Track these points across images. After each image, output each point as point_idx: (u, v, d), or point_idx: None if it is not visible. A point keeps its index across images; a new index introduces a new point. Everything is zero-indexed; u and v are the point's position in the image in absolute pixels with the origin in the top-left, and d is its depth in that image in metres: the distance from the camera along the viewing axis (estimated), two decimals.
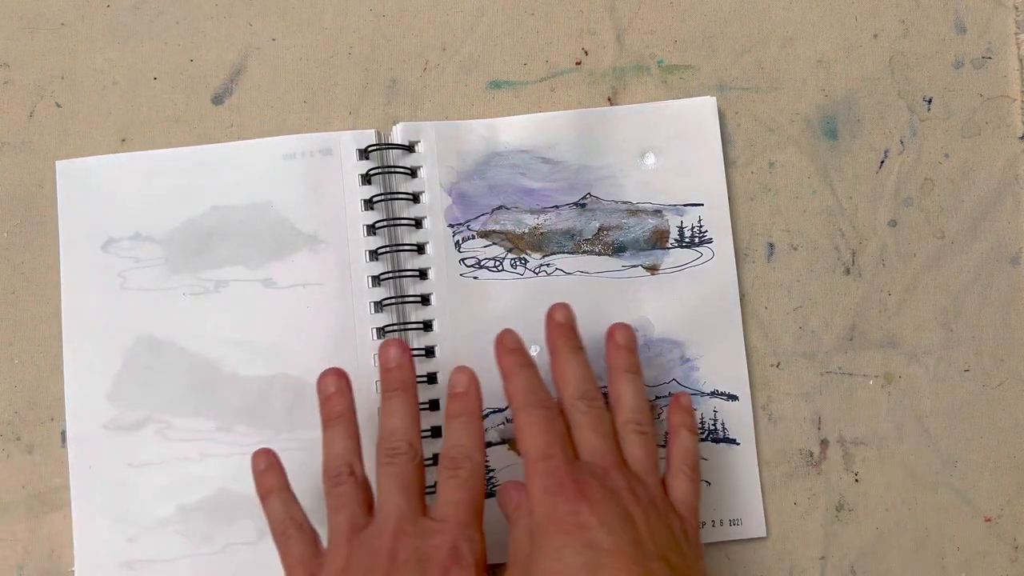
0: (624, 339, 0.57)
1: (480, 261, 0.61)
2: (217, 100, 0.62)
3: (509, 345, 0.55)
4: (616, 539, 0.47)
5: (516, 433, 0.53)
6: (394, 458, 0.52)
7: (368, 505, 0.52)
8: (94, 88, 0.62)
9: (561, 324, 0.56)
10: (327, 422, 0.54)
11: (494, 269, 0.60)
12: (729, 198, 0.61)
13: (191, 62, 0.63)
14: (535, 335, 0.60)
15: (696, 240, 0.61)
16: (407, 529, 0.49)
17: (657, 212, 0.61)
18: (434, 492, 0.53)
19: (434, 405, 0.60)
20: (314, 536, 0.53)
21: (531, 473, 0.51)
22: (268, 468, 0.55)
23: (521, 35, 0.63)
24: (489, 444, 0.60)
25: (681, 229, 0.61)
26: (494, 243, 0.61)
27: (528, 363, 0.55)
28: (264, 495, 0.54)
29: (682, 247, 0.61)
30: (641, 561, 0.47)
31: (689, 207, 0.61)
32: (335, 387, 0.55)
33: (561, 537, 0.48)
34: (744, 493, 0.60)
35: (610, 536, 0.47)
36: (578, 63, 0.63)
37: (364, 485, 0.53)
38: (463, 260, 0.60)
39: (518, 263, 0.61)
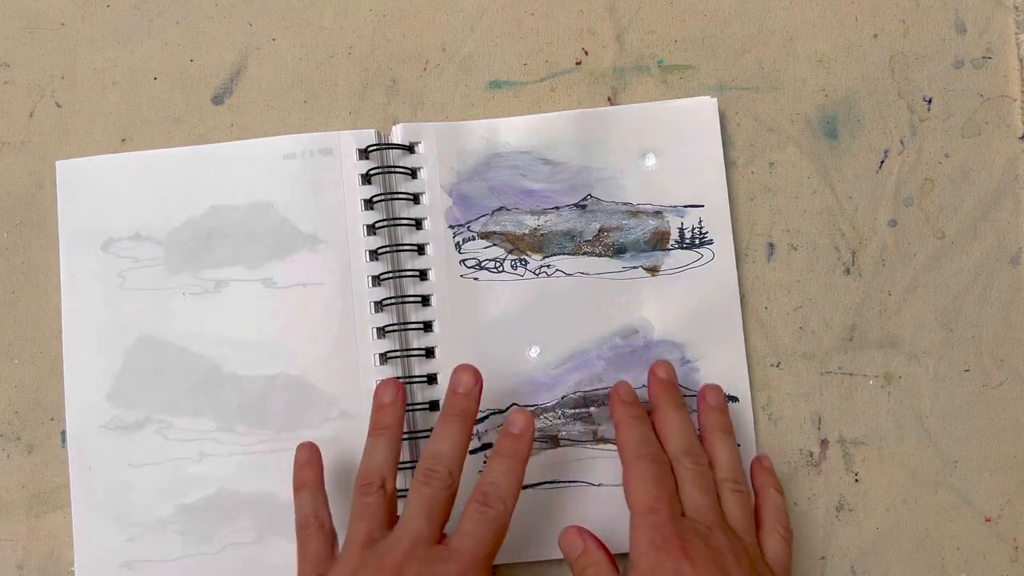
0: (716, 400, 0.58)
1: (480, 262, 0.60)
2: (217, 100, 0.62)
3: (624, 396, 0.57)
4: None
5: (625, 483, 0.53)
6: (430, 480, 0.52)
7: (391, 521, 0.53)
8: (94, 88, 0.62)
9: (663, 380, 0.58)
10: (374, 430, 0.55)
11: (494, 270, 0.60)
12: (729, 198, 0.61)
13: (191, 62, 0.63)
14: (535, 336, 0.60)
15: (696, 241, 0.61)
16: (419, 552, 0.50)
17: (657, 213, 0.61)
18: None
19: (434, 406, 0.60)
20: (333, 538, 0.54)
21: (637, 525, 0.52)
22: (308, 462, 0.56)
23: (521, 35, 0.63)
24: (489, 446, 0.60)
25: (681, 230, 0.61)
26: (494, 244, 0.61)
27: (642, 416, 0.56)
28: (298, 487, 0.55)
29: (682, 248, 0.61)
30: None
31: (689, 208, 0.61)
32: (390, 398, 0.55)
33: None
34: None
35: None
36: (578, 63, 0.63)
37: (391, 500, 0.53)
38: (463, 261, 0.60)
39: (518, 264, 0.60)
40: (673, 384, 0.58)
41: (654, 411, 0.57)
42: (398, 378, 0.59)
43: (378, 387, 0.56)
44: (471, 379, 0.55)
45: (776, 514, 0.56)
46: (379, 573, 0.49)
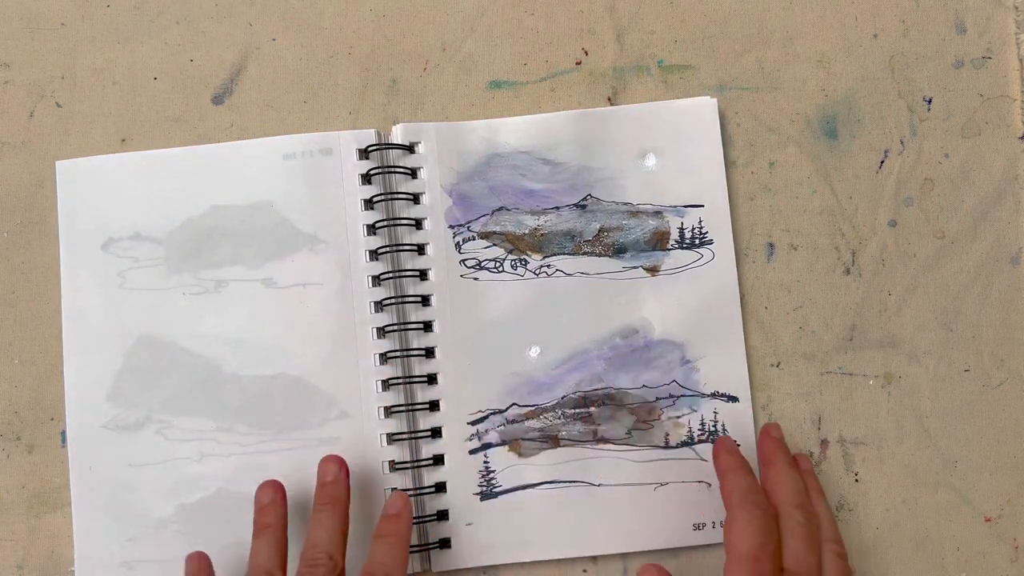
0: (807, 465, 0.60)
1: (480, 262, 0.60)
2: (217, 100, 0.62)
3: (729, 447, 0.57)
4: None
5: (728, 527, 0.52)
6: (313, 568, 0.52)
7: None
8: (94, 88, 0.62)
9: (776, 439, 0.58)
10: (258, 531, 0.55)
11: (494, 270, 0.60)
12: (729, 198, 0.61)
13: (191, 62, 0.63)
14: (535, 336, 0.60)
15: (696, 241, 0.61)
16: None
17: (657, 213, 0.61)
18: None
19: (434, 406, 0.60)
20: None
21: (736, 570, 0.51)
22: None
23: (521, 35, 0.63)
24: (489, 446, 0.60)
25: (681, 230, 0.61)
26: (494, 244, 0.61)
27: (748, 469, 0.56)
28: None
29: (682, 248, 0.61)
30: None
31: (689, 208, 0.61)
32: (269, 499, 0.56)
33: None
34: None
35: None
36: (578, 63, 0.63)
37: None
38: (463, 261, 0.60)
39: (518, 264, 0.60)
40: (784, 444, 0.58)
41: (768, 466, 0.57)
42: (398, 378, 0.59)
43: (258, 489, 0.56)
44: (336, 467, 0.56)
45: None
46: None
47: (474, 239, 0.61)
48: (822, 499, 0.57)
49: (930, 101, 0.63)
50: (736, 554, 0.51)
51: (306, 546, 0.54)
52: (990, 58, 0.63)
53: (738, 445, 0.58)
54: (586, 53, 0.63)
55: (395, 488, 0.59)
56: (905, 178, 0.62)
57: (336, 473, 0.56)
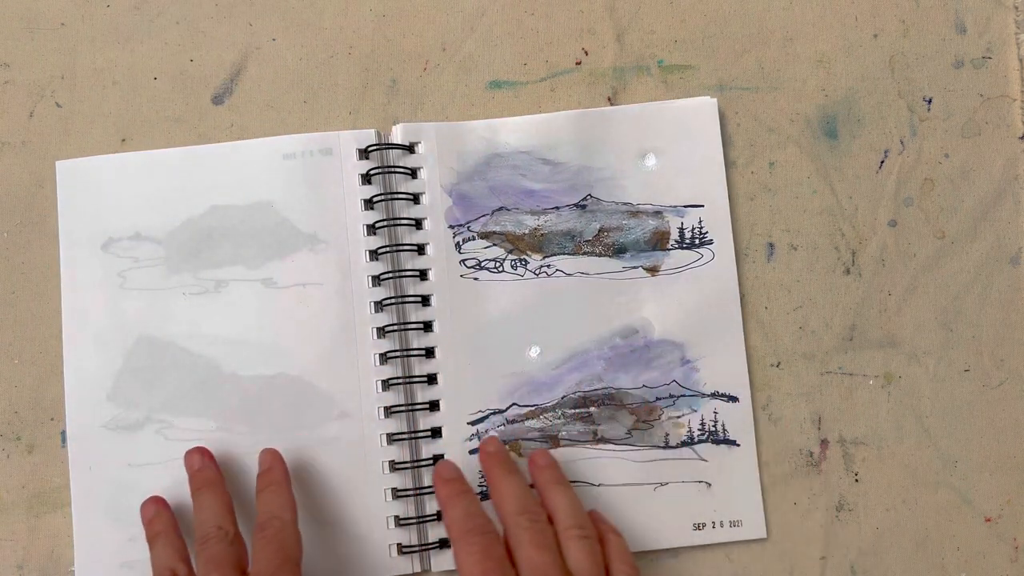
0: (544, 460, 0.59)
1: (480, 262, 0.60)
2: (217, 100, 0.62)
3: (445, 475, 0.57)
4: None
5: (456, 563, 0.53)
6: (206, 543, 0.53)
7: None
8: (94, 88, 0.62)
9: (492, 453, 0.58)
10: (151, 537, 0.56)
11: (494, 270, 0.60)
12: (729, 198, 0.61)
13: (191, 62, 0.63)
14: (535, 336, 0.60)
15: (696, 241, 0.61)
16: None
17: (657, 213, 0.61)
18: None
19: (434, 406, 0.60)
20: None
21: None
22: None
23: (521, 35, 0.63)
24: None
25: (681, 230, 0.61)
26: (494, 244, 0.61)
27: (466, 490, 0.56)
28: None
29: (682, 248, 0.61)
30: None
31: (689, 208, 0.61)
32: (154, 511, 0.57)
33: None
34: (744, 494, 0.60)
35: None
36: (578, 63, 0.63)
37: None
38: (463, 261, 0.60)
39: (518, 264, 0.60)
40: (501, 454, 0.58)
41: (488, 481, 0.57)
42: (398, 378, 0.59)
43: (142, 506, 0.57)
44: (199, 455, 0.58)
45: (621, 555, 0.55)
46: None
47: (474, 239, 0.61)
48: (557, 487, 0.57)
49: (930, 101, 0.63)
50: None
51: (195, 531, 0.54)
52: (990, 58, 0.63)
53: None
54: (586, 53, 0.63)
55: (394, 488, 0.59)
56: (905, 178, 0.62)
57: (201, 460, 0.57)
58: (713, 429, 0.60)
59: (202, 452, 0.58)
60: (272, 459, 0.57)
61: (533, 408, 0.60)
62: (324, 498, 0.59)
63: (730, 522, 0.60)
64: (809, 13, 0.63)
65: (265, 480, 0.56)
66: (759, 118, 0.62)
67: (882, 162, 0.62)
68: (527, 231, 0.61)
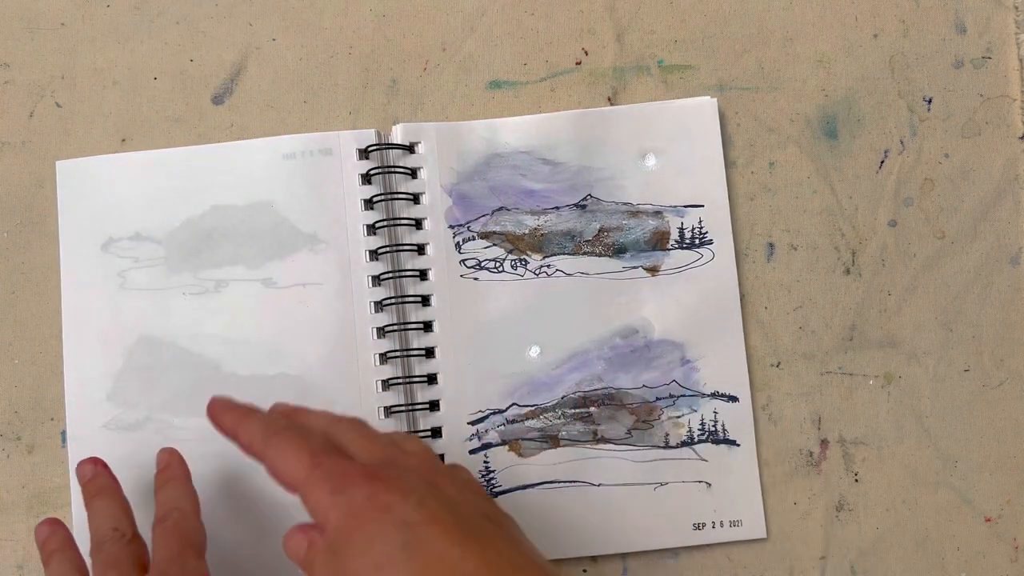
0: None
1: (480, 262, 0.60)
2: (217, 100, 0.62)
3: (220, 408, 0.52)
4: (428, 509, 0.43)
5: (273, 473, 0.47)
6: (102, 546, 0.51)
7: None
8: (94, 88, 0.62)
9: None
10: (47, 557, 0.54)
11: (494, 270, 0.60)
12: (729, 198, 0.61)
13: (191, 62, 0.63)
14: (535, 336, 0.60)
15: (696, 241, 0.61)
16: None
17: (657, 213, 0.61)
18: None
19: (434, 406, 0.60)
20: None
21: (308, 489, 0.45)
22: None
23: (521, 35, 0.63)
24: (489, 446, 0.60)
25: (681, 230, 0.61)
26: (494, 244, 0.61)
27: (249, 411, 0.51)
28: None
29: (682, 248, 0.61)
30: (463, 526, 0.43)
31: (689, 208, 0.61)
32: (48, 532, 0.55)
33: (366, 528, 0.43)
34: (744, 494, 0.60)
35: (421, 508, 0.43)
36: (578, 63, 0.63)
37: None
38: (463, 261, 0.60)
39: (518, 264, 0.60)
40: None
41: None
42: (397, 379, 0.59)
43: (37, 529, 0.55)
44: (91, 465, 0.56)
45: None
46: None
47: (474, 239, 0.61)
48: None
49: (930, 101, 0.63)
50: (297, 481, 0.46)
51: (91, 538, 0.52)
52: (990, 58, 0.63)
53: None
54: (586, 53, 0.63)
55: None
56: (905, 178, 0.62)
57: (93, 469, 0.55)
58: (713, 429, 0.60)
59: (95, 462, 0.56)
60: (170, 457, 0.56)
61: (533, 408, 0.60)
62: None
63: (730, 522, 0.60)
64: (809, 13, 0.63)
65: (163, 477, 0.55)
66: (759, 118, 0.62)
67: (882, 162, 0.62)
68: (527, 231, 0.61)
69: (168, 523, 0.52)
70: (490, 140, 0.61)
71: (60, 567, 0.52)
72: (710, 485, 0.60)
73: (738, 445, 0.60)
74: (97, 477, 0.55)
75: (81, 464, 0.56)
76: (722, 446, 0.60)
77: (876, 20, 0.63)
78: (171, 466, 0.56)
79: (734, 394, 0.61)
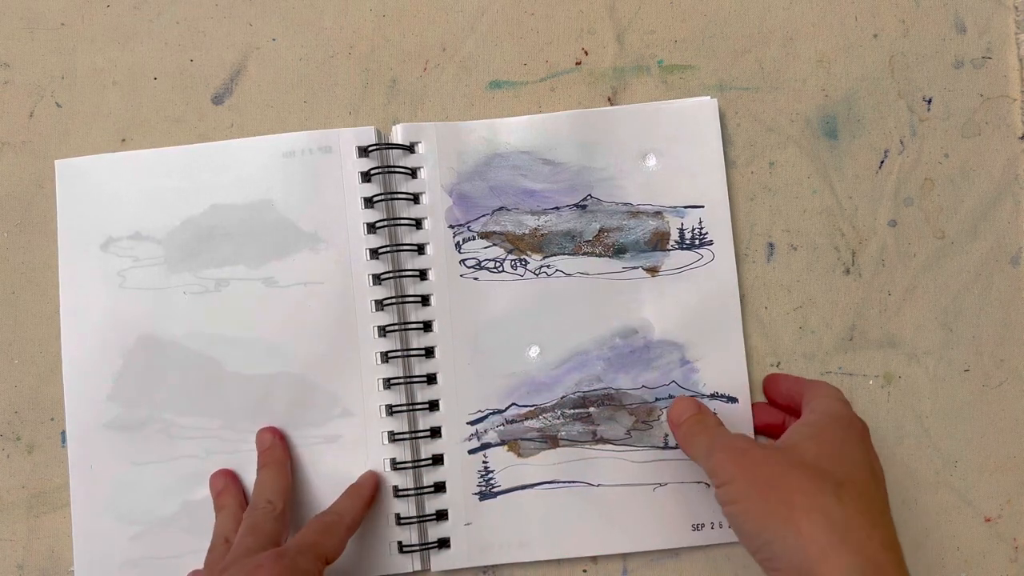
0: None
1: (480, 262, 0.61)
2: (217, 100, 0.62)
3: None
4: None
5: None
6: (253, 512, 0.56)
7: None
8: (94, 88, 0.63)
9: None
10: (217, 508, 0.59)
11: (494, 270, 0.61)
12: (729, 198, 0.62)
13: (191, 62, 0.63)
14: (535, 336, 0.61)
15: (697, 242, 0.61)
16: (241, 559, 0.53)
17: (657, 214, 0.61)
18: None
19: (433, 406, 0.60)
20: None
21: None
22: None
23: (521, 35, 0.63)
24: (488, 446, 0.61)
25: (682, 231, 0.61)
26: (494, 244, 0.61)
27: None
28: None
29: (682, 249, 0.61)
30: None
31: (689, 209, 0.61)
32: (222, 484, 0.60)
33: None
34: None
35: None
36: (578, 63, 0.63)
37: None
38: (463, 261, 0.61)
39: (518, 264, 0.61)
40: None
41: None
42: (398, 378, 0.59)
43: (213, 477, 0.60)
44: (271, 435, 0.60)
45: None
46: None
47: (474, 239, 0.61)
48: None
49: (930, 101, 0.63)
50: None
51: (251, 499, 0.58)
52: (990, 58, 0.63)
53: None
54: (586, 53, 0.63)
55: (395, 486, 0.59)
56: (905, 178, 0.62)
57: (272, 439, 0.60)
58: None
59: (273, 432, 0.60)
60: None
61: (532, 408, 0.60)
62: (326, 496, 0.59)
63: None
64: (809, 13, 0.63)
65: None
66: (759, 118, 0.63)
67: (882, 162, 0.62)
68: (527, 231, 0.61)
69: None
70: (490, 140, 0.61)
71: (225, 521, 0.58)
72: (709, 486, 0.60)
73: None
74: (273, 449, 0.59)
75: (262, 431, 0.60)
76: None
77: (876, 20, 0.63)
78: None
79: (734, 395, 0.61)
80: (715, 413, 0.56)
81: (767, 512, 0.48)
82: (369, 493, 0.59)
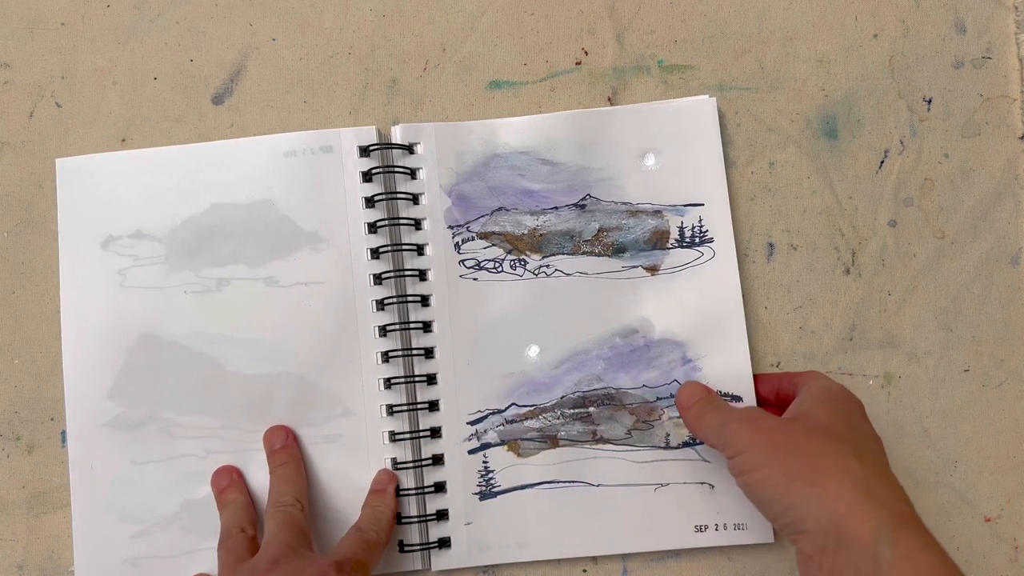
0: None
1: (480, 262, 0.61)
2: (217, 100, 0.63)
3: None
4: None
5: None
6: (283, 507, 0.56)
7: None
8: (94, 88, 0.63)
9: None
10: (220, 505, 0.60)
11: (494, 270, 0.61)
12: (729, 198, 0.61)
13: (191, 62, 0.63)
14: (534, 336, 0.61)
15: (696, 240, 0.61)
16: (288, 555, 0.53)
17: (657, 212, 0.61)
18: None
19: (433, 406, 0.61)
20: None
21: None
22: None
23: (521, 35, 0.63)
24: (488, 446, 0.61)
25: (681, 229, 0.61)
26: (494, 244, 0.61)
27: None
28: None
29: (682, 247, 0.61)
30: None
31: (689, 207, 0.61)
32: (228, 480, 0.60)
33: None
34: None
35: None
36: (578, 63, 0.63)
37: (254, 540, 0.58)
38: (463, 261, 0.61)
39: (518, 264, 0.61)
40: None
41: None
42: (399, 378, 0.59)
43: (216, 474, 0.61)
44: (283, 433, 0.60)
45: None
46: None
47: (473, 239, 0.61)
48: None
49: (930, 101, 0.63)
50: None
51: (272, 495, 0.58)
52: (990, 58, 0.63)
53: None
54: (586, 53, 0.63)
55: (396, 486, 0.59)
56: (905, 178, 0.62)
57: (284, 438, 0.60)
58: None
59: (285, 431, 0.60)
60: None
61: (532, 408, 0.60)
62: (327, 494, 0.59)
63: (734, 525, 0.60)
64: (809, 13, 0.63)
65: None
66: (759, 118, 0.63)
67: (882, 162, 0.62)
68: (526, 231, 0.61)
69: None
70: (489, 140, 0.62)
71: (236, 513, 0.58)
72: (713, 487, 0.60)
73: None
74: (290, 447, 0.60)
75: (274, 429, 0.60)
76: None
77: (876, 20, 0.63)
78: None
79: (737, 393, 0.61)
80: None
81: (790, 475, 0.49)
82: (395, 503, 0.59)
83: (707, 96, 0.63)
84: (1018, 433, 0.62)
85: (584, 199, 0.62)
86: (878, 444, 0.52)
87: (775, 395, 0.60)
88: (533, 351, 0.61)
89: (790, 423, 0.52)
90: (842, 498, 0.47)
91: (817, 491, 0.48)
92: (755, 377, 0.60)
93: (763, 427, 0.52)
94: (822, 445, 0.50)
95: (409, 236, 0.61)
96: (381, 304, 0.61)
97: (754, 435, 0.52)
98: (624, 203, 0.62)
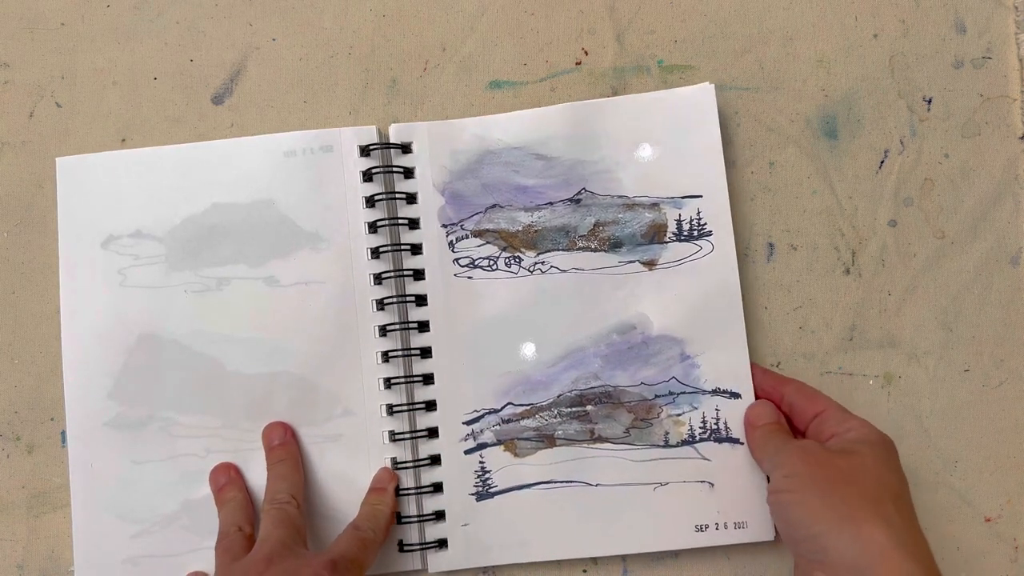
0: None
1: (474, 260, 0.61)
2: (217, 100, 0.63)
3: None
4: None
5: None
6: (281, 505, 0.57)
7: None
8: (94, 88, 0.63)
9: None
10: (219, 504, 0.61)
11: (488, 268, 0.61)
12: (729, 198, 0.61)
13: (191, 62, 0.63)
14: (530, 334, 0.61)
15: (695, 233, 0.61)
16: (283, 553, 0.54)
17: (654, 205, 0.61)
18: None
19: (431, 406, 0.61)
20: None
21: None
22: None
23: (521, 35, 0.64)
24: (484, 446, 0.61)
25: (679, 222, 0.61)
26: (488, 242, 0.61)
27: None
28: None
29: (681, 241, 0.61)
30: None
31: (687, 199, 0.61)
32: (226, 479, 0.61)
33: None
34: (749, 494, 0.60)
35: None
36: (578, 63, 0.63)
37: (249, 537, 0.58)
38: (457, 260, 0.61)
39: (512, 262, 0.61)
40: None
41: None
42: (398, 378, 0.60)
43: (214, 471, 0.61)
44: (282, 430, 0.61)
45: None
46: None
47: (467, 237, 0.61)
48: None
49: (930, 101, 0.63)
50: None
51: (269, 492, 0.59)
52: (990, 58, 0.63)
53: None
54: (586, 53, 0.64)
55: (399, 485, 0.60)
56: (905, 178, 0.63)
57: (283, 436, 0.61)
58: (715, 427, 0.60)
59: (284, 428, 0.61)
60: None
61: (528, 407, 0.61)
62: (327, 494, 0.60)
63: (735, 524, 0.60)
64: (809, 13, 0.64)
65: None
66: (759, 118, 0.63)
67: (882, 162, 0.63)
68: (520, 228, 0.61)
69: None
70: (482, 137, 0.62)
71: (234, 511, 0.59)
72: (713, 485, 0.60)
73: (741, 444, 0.60)
74: (286, 445, 0.61)
75: (272, 426, 0.61)
76: (725, 445, 0.61)
77: (876, 20, 0.64)
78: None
79: (736, 390, 0.61)
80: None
81: (826, 506, 0.52)
82: (394, 502, 0.60)
83: (706, 83, 0.63)
84: (1018, 433, 0.62)
85: (579, 193, 0.62)
86: (908, 494, 0.54)
87: (768, 394, 0.60)
88: (529, 349, 0.61)
89: (840, 457, 0.54)
90: (875, 541, 0.49)
91: (851, 528, 0.50)
92: (756, 368, 0.61)
93: (814, 458, 0.54)
94: (867, 487, 0.52)
95: (406, 235, 0.62)
96: (381, 304, 0.61)
97: (804, 463, 0.54)
98: (620, 196, 0.62)
